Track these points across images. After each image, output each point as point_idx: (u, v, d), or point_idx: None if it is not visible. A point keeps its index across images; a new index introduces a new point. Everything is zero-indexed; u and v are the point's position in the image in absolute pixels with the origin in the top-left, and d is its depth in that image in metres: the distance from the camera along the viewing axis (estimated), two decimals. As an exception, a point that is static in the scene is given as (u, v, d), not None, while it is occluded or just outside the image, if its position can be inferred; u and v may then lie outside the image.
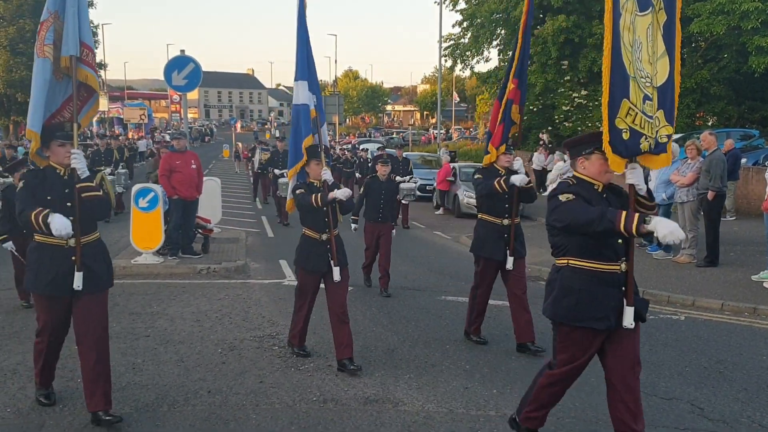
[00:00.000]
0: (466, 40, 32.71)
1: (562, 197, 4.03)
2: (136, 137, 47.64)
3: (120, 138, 43.76)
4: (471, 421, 4.91)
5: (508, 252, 6.62)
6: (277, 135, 51.48)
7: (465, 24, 32.52)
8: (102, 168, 16.16)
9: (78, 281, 4.64)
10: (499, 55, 32.92)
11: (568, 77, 27.95)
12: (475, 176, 6.92)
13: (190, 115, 72.83)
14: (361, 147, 29.01)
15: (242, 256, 11.61)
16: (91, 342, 4.76)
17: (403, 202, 15.04)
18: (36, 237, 4.73)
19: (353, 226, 9.82)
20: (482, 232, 6.77)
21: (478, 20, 31.46)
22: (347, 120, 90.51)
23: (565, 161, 15.79)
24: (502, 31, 31.50)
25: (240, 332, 7.11)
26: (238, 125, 74.40)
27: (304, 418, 4.93)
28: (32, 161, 5.35)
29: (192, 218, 11.41)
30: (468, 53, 32.82)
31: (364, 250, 9.84)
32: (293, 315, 6.43)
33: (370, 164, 21.31)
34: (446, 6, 33.45)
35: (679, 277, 9.92)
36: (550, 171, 17.80)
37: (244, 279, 10.03)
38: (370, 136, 58.30)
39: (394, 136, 62.50)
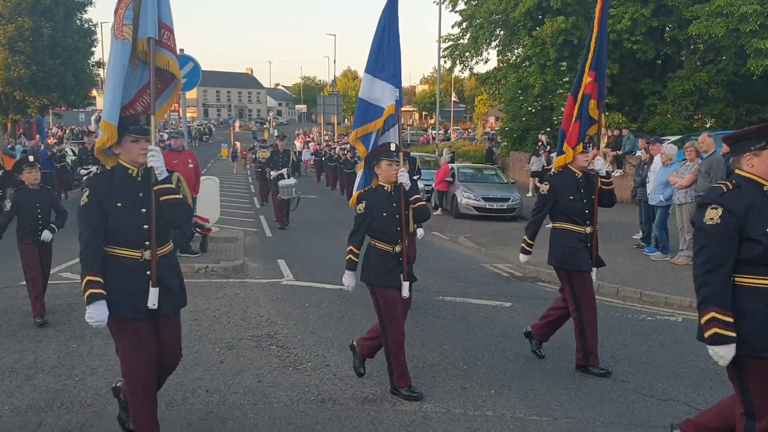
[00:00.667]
0: (465, 41, 32.75)
1: (708, 218, 3.50)
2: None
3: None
4: (468, 421, 4.92)
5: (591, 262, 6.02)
6: (276, 134, 51.44)
7: (464, 25, 32.56)
8: (90, 168, 15.50)
9: (153, 298, 4.06)
10: (498, 56, 32.97)
11: (567, 78, 27.97)
12: (544, 183, 6.31)
13: (188, 114, 72.82)
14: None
15: (240, 255, 11.61)
16: (167, 364, 4.33)
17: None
18: (106, 249, 4.06)
19: (420, 231, 8.81)
20: (565, 243, 6.08)
21: (477, 21, 31.50)
22: (346, 120, 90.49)
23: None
24: (501, 32, 31.53)
25: (238, 331, 7.11)
26: (237, 125, 74.38)
27: (302, 418, 4.93)
28: (96, 158, 4.95)
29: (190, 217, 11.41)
30: (467, 54, 32.86)
31: None
32: (387, 347, 5.35)
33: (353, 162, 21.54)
34: (445, 6, 33.51)
35: (676, 279, 9.94)
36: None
37: (242, 278, 10.03)
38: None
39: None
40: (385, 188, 5.39)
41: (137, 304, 4.03)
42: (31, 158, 7.82)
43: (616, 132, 22.99)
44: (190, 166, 11.21)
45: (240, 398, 5.27)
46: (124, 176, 4.09)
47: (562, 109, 29.28)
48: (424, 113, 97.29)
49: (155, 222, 4.04)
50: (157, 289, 4.07)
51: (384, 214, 5.32)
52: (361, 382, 5.64)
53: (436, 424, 4.86)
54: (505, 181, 20.33)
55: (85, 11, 35.72)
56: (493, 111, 59.49)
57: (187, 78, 12.66)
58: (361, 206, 5.33)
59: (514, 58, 32.40)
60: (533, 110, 28.87)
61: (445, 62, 34.69)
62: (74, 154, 24.78)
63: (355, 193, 5.62)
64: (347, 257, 5.40)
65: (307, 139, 50.92)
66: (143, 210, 4.05)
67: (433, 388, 5.53)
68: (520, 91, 29.70)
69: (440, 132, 42.51)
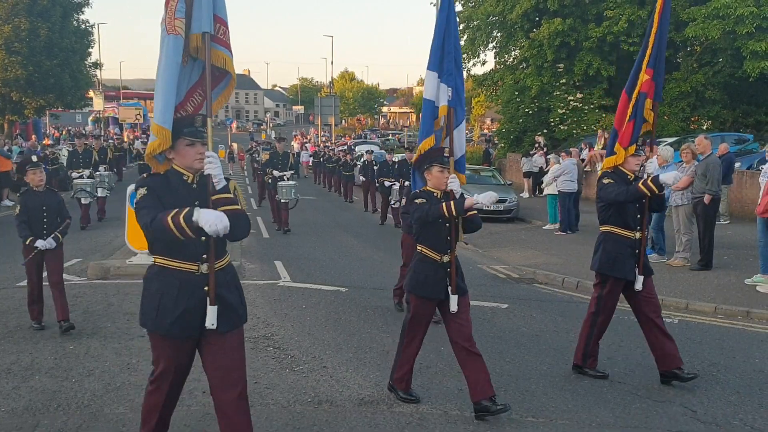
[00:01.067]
0: (462, 43, 32.75)
1: None
2: (131, 137, 47.49)
3: (112, 138, 43.74)
4: (465, 423, 4.92)
5: (637, 270, 5.81)
6: (274, 136, 51.15)
7: (461, 26, 32.56)
8: (82, 171, 15.08)
9: (212, 318, 3.70)
10: (495, 57, 33.00)
11: (564, 80, 28.05)
12: (604, 180, 5.87)
13: (185, 115, 72.41)
14: (364, 149, 27.85)
15: (237, 256, 11.59)
16: (232, 397, 3.88)
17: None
18: (156, 260, 3.77)
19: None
20: (612, 248, 5.81)
21: (475, 23, 31.54)
22: (343, 121, 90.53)
23: (560, 163, 15.83)
24: (498, 34, 31.57)
25: (235, 333, 7.10)
26: (234, 126, 74.34)
27: (299, 419, 4.94)
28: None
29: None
30: (464, 56, 32.86)
31: (399, 267, 8.34)
32: (399, 352, 5.34)
33: (375, 167, 20.76)
34: (443, 8, 33.46)
35: (672, 280, 9.96)
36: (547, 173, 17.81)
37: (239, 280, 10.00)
38: (365, 138, 58.33)
39: (389, 137, 62.56)
40: (435, 195, 5.15)
41: (191, 323, 3.71)
42: (34, 158, 7.75)
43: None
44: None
45: (237, 400, 5.26)
46: (179, 182, 3.78)
47: (559, 110, 29.47)
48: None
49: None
50: (216, 307, 3.72)
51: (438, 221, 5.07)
52: (357, 384, 5.65)
53: (432, 425, 4.87)
54: (502, 183, 20.34)
55: (82, 12, 35.61)
56: (490, 112, 59.51)
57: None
58: (420, 200, 5.13)
59: (511, 59, 32.43)
60: (530, 112, 28.90)
61: (442, 64, 34.64)
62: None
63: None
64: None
65: (305, 140, 50.89)
66: None
67: (430, 390, 5.54)
68: (517, 93, 29.74)
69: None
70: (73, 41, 34.40)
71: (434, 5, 32.71)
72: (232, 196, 3.79)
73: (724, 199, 14.73)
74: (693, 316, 8.40)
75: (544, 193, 16.86)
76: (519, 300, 9.20)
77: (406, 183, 13.45)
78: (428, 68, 5.40)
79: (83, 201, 14.88)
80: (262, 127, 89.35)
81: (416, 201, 5.11)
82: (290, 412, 5.07)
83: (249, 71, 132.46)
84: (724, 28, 22.37)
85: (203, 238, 3.62)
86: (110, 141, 36.64)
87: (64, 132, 54.78)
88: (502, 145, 32.55)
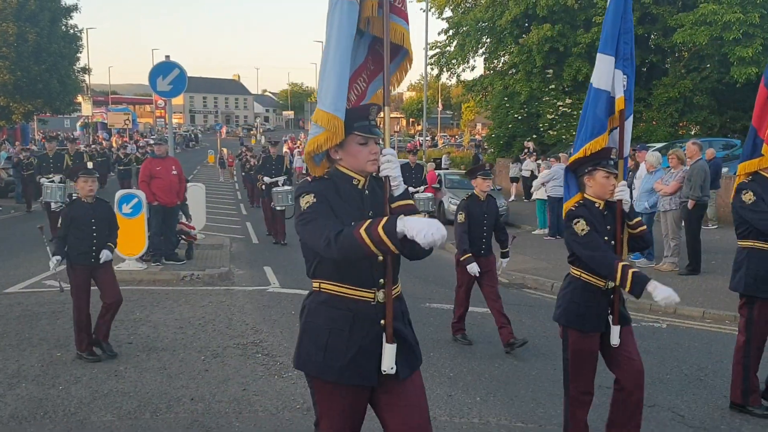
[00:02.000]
0: (452, 48, 32.86)
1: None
2: (120, 142, 47.30)
3: (95, 143, 43.44)
4: (455, 429, 4.92)
5: None
6: (263, 141, 50.85)
7: (451, 32, 32.68)
8: (52, 176, 13.81)
9: (390, 359, 2.93)
10: (484, 63, 33.12)
11: (553, 86, 28.20)
12: (744, 196, 5.19)
13: (174, 121, 72.52)
14: None
15: (226, 262, 11.57)
16: None
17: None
18: (322, 285, 3.00)
19: (503, 263, 7.57)
20: (758, 265, 5.21)
21: (464, 28, 31.64)
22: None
23: (549, 168, 15.89)
24: (488, 40, 31.69)
25: (223, 339, 7.08)
26: (224, 131, 74.19)
27: (288, 426, 4.92)
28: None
29: (173, 225, 11.36)
30: (454, 61, 32.98)
31: (456, 289, 7.53)
32: (566, 404, 4.42)
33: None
34: (432, 14, 33.63)
35: (661, 285, 9.98)
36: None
37: (228, 286, 9.99)
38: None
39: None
40: (597, 205, 4.25)
41: (367, 365, 2.95)
42: (90, 165, 7.29)
43: (601, 139, 23.11)
44: (174, 173, 11.19)
45: (225, 407, 5.24)
46: (348, 188, 3.03)
47: (548, 116, 29.55)
48: (411, 120, 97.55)
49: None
50: (395, 345, 2.97)
51: (604, 239, 4.20)
52: (347, 390, 5.63)
53: (421, 431, 4.85)
54: (492, 188, 20.39)
55: (71, 17, 35.46)
56: (480, 118, 59.75)
57: (172, 84, 12.66)
58: (582, 225, 4.15)
59: (501, 65, 32.57)
60: (519, 117, 29.03)
61: (432, 69, 34.78)
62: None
63: (565, 204, 4.45)
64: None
65: (296, 146, 50.84)
66: None
67: (419, 396, 5.52)
68: (506, 99, 29.86)
69: (427, 138, 42.58)
70: (62, 46, 34.25)
71: (424, 11, 32.87)
72: (412, 202, 3.10)
73: (712, 204, 14.82)
74: (681, 320, 8.43)
75: (533, 197, 16.90)
76: (508, 305, 9.14)
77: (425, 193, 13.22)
78: (601, 51, 4.49)
79: (53, 206, 13.32)
80: (251, 132, 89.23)
81: (576, 225, 4.17)
82: (279, 419, 5.04)
83: (239, 76, 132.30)
84: (711, 35, 22.56)
85: (380, 258, 2.92)
86: (92, 146, 36.03)
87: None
88: (492, 150, 32.66)
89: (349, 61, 3.06)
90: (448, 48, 33.12)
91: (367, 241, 2.64)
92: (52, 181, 13.89)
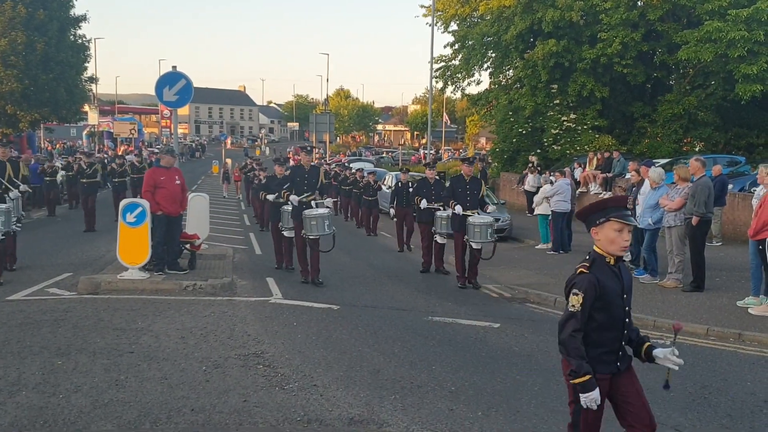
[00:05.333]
0: (457, 62, 33.00)
1: None
2: (125, 151, 47.46)
3: (105, 153, 43.51)
4: (455, 444, 4.88)
5: None
6: (273, 156, 50.58)
7: (456, 46, 32.83)
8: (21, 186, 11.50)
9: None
10: (489, 77, 33.23)
11: (558, 101, 28.26)
12: None
13: (180, 131, 72.98)
14: (365, 170, 23.86)
15: (229, 273, 11.55)
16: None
17: (439, 240, 12.66)
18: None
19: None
20: None
21: (470, 43, 31.79)
22: (338, 138, 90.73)
23: (552, 183, 15.87)
24: (493, 54, 31.83)
25: (225, 350, 7.06)
26: (229, 141, 74.45)
27: (288, 438, 4.88)
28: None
29: (176, 234, 11.36)
30: (459, 75, 33.11)
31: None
32: None
33: (376, 187, 20.11)
34: (438, 28, 33.77)
35: (665, 302, 9.96)
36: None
37: (230, 296, 9.98)
38: (360, 155, 58.44)
39: (384, 155, 62.72)
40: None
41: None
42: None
43: (606, 154, 23.15)
44: (177, 182, 11.21)
45: (225, 418, 5.21)
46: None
47: (553, 131, 29.76)
48: (415, 133, 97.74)
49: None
50: None
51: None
52: (348, 403, 5.60)
53: (422, 446, 4.82)
54: (496, 202, 20.40)
55: (79, 27, 35.70)
56: (484, 132, 59.74)
57: (179, 95, 12.71)
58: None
59: (506, 79, 32.68)
60: (524, 132, 29.08)
61: (437, 83, 34.92)
62: (64, 170, 24.53)
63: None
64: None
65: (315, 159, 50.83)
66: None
67: (421, 410, 5.50)
68: (511, 113, 29.93)
69: (431, 152, 42.65)
70: (70, 55, 34.45)
71: (430, 24, 33.02)
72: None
73: (716, 221, 14.79)
74: (685, 337, 8.37)
75: (535, 213, 16.87)
76: (511, 319, 9.17)
77: (456, 208, 11.39)
78: None
79: None
80: (256, 143, 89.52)
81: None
82: (279, 431, 5.01)
83: (244, 87, 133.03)
84: (716, 52, 22.62)
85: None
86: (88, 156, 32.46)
87: (58, 146, 54.70)
88: (496, 164, 32.69)
89: None
90: (453, 61, 33.26)
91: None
92: (27, 193, 12.35)
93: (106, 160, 27.55)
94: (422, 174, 14.79)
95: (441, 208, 12.55)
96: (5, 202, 11.00)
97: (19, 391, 5.65)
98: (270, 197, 12.84)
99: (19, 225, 11.86)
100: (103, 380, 5.95)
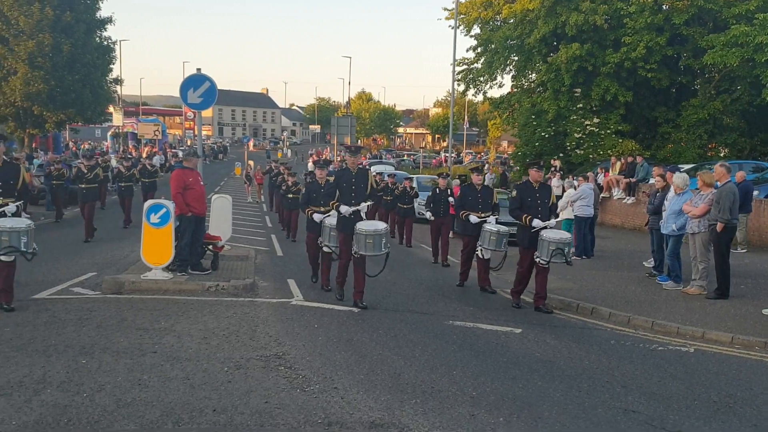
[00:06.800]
0: (480, 65, 32.95)
1: None
2: (149, 152, 47.91)
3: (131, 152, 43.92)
4: (476, 449, 4.86)
5: None
6: (290, 154, 50.34)
7: (479, 49, 32.78)
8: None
9: None
10: (512, 80, 33.14)
11: (581, 105, 28.09)
12: None
13: (204, 133, 73.37)
14: (379, 169, 22.24)
15: (251, 274, 11.61)
16: None
17: (484, 257, 11.64)
18: None
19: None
20: None
21: (492, 46, 31.72)
22: (359, 141, 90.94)
23: (575, 188, 15.76)
24: (516, 58, 31.72)
25: (247, 351, 7.09)
26: (251, 144, 74.87)
27: (309, 441, 4.89)
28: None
29: (200, 235, 11.46)
30: (481, 78, 33.05)
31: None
32: None
33: (413, 194, 18.19)
34: (461, 31, 33.72)
35: (688, 309, 9.85)
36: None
37: (252, 297, 10.03)
38: (381, 158, 58.49)
39: (405, 158, 62.73)
40: None
41: None
42: None
43: (629, 159, 22.96)
44: (202, 183, 11.39)
45: (247, 419, 5.23)
46: None
47: (576, 135, 29.59)
48: (437, 136, 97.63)
49: None
50: None
51: None
52: (368, 406, 5.60)
53: (443, 450, 4.81)
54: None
55: (105, 29, 36.18)
56: (506, 135, 59.58)
57: (203, 97, 12.81)
58: None
59: (528, 83, 32.56)
60: (546, 135, 28.94)
61: (459, 86, 34.86)
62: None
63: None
64: None
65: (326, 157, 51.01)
66: None
67: (442, 414, 5.48)
68: (533, 116, 29.80)
69: (453, 155, 42.59)
70: (95, 57, 34.90)
71: (452, 27, 32.97)
72: None
73: (742, 228, 14.61)
74: (709, 345, 8.28)
75: (559, 218, 16.75)
76: (533, 325, 9.12)
77: (534, 222, 10.02)
78: None
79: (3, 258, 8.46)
80: (278, 145, 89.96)
81: None
82: (300, 433, 5.02)
83: (267, 90, 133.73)
84: (742, 56, 22.36)
85: None
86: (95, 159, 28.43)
87: (83, 146, 55.34)
88: (518, 168, 32.56)
89: None
90: (475, 65, 33.21)
91: None
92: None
93: (131, 162, 27.27)
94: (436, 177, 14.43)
95: (489, 219, 11.60)
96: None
97: (44, 389, 5.71)
98: (317, 217, 10.74)
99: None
100: (126, 380, 6.00)
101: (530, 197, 10.16)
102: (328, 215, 10.38)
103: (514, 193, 10.81)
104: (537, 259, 9.99)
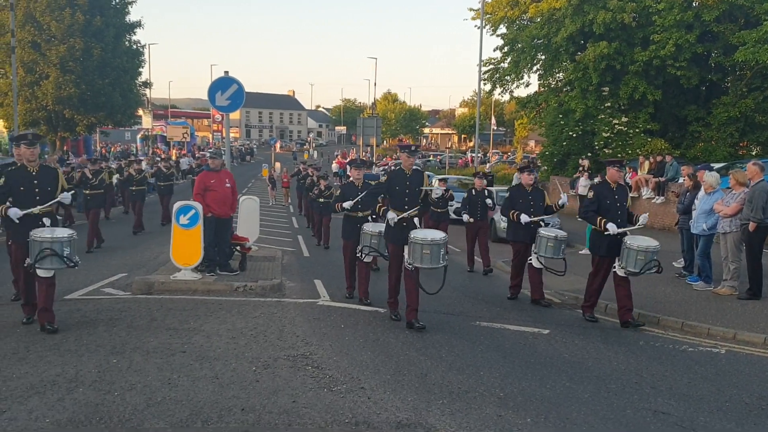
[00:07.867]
0: (506, 65, 32.79)
1: None
2: (179, 155, 48.44)
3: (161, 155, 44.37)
4: (504, 450, 4.84)
5: None
6: (316, 155, 50.39)
7: (505, 49, 32.63)
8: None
9: None
10: (539, 80, 32.91)
11: (609, 103, 27.80)
12: None
13: (231, 135, 74.10)
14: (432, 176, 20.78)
15: (278, 274, 11.70)
16: None
17: (543, 265, 10.66)
18: None
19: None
20: None
21: (519, 45, 31.55)
22: (385, 141, 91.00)
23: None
24: (543, 57, 31.51)
25: (274, 351, 7.15)
26: (278, 145, 75.34)
27: (336, 440, 4.91)
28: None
29: (227, 236, 11.56)
30: (507, 78, 32.89)
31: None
32: None
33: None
34: (487, 31, 33.61)
35: (719, 309, 9.70)
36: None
37: (280, 298, 10.09)
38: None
39: (430, 158, 62.62)
40: None
41: None
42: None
43: (658, 158, 22.68)
44: (228, 185, 11.43)
45: (275, 418, 5.27)
46: None
47: (604, 134, 29.28)
48: (463, 136, 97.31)
49: None
50: None
51: None
52: (395, 407, 5.61)
53: (470, 451, 4.80)
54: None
55: (134, 33, 36.70)
56: (533, 135, 59.18)
57: (231, 100, 12.92)
58: None
59: (556, 82, 32.31)
60: (574, 135, 28.68)
61: (485, 85, 34.73)
62: (118, 173, 24.75)
63: None
64: None
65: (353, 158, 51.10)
66: None
67: (469, 415, 5.47)
68: (561, 116, 29.57)
69: (479, 155, 42.43)
70: (125, 61, 35.42)
71: (478, 27, 32.87)
72: None
73: (774, 227, 14.34)
74: (741, 346, 8.15)
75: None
76: (561, 326, 9.06)
77: (609, 226, 9.00)
78: None
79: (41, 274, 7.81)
80: (305, 147, 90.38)
81: None
82: (327, 433, 5.05)
83: (293, 92, 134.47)
84: (775, 53, 21.97)
85: None
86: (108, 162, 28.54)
87: (114, 149, 56.13)
88: (546, 167, 32.33)
89: None
90: (502, 64, 33.06)
91: None
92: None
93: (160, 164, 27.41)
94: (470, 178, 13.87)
95: (542, 223, 10.70)
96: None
97: (76, 388, 5.81)
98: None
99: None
100: (156, 379, 6.08)
101: (609, 199, 9.21)
102: (394, 217, 8.56)
103: (591, 194, 9.66)
104: (619, 270, 9.10)
